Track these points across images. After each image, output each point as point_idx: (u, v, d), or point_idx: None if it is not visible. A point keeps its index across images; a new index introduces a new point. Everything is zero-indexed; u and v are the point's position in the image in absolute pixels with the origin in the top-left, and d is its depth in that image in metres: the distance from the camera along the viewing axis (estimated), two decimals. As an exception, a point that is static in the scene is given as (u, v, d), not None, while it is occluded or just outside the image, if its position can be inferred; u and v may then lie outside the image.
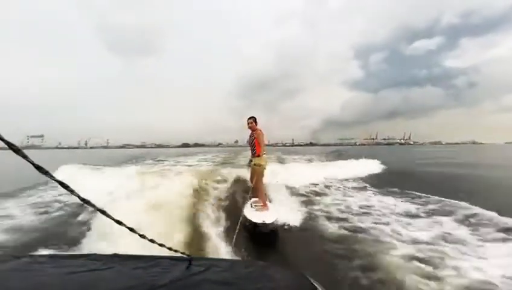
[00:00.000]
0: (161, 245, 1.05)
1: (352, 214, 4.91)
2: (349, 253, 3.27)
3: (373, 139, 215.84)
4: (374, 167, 12.21)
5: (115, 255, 1.07)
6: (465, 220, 4.32)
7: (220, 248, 3.31)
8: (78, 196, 0.73)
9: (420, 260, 2.95)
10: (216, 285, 0.86)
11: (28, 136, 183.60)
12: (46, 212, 5.18)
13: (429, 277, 2.62)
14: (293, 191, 6.74)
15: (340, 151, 30.19)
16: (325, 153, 24.34)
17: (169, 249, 1.09)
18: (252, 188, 4.63)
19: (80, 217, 4.64)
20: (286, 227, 4.22)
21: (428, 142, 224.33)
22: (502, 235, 3.65)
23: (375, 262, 2.98)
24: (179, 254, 1.10)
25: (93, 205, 0.78)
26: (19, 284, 0.85)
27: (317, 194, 6.87)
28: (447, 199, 5.66)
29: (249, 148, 4.67)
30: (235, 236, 3.17)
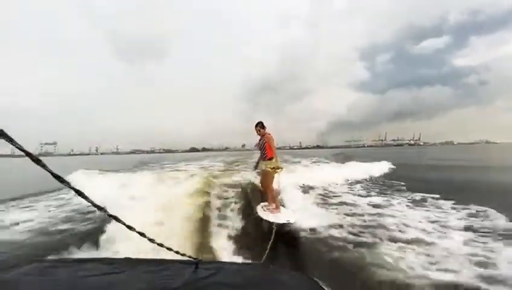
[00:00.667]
0: (169, 249, 1.06)
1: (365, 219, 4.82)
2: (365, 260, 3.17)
3: (382, 140, 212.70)
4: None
5: (126, 259, 1.08)
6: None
7: (230, 252, 3.32)
8: (93, 203, 0.76)
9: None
10: (226, 288, 0.86)
11: (41, 144, 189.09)
12: (57, 218, 5.29)
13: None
14: (305, 195, 6.73)
15: (346, 153, 29.78)
16: (333, 156, 24.18)
17: (177, 252, 1.10)
18: (262, 192, 4.67)
19: (92, 222, 4.73)
20: (302, 230, 4.14)
21: (439, 143, 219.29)
22: None
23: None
24: (187, 258, 1.11)
25: (106, 212, 0.81)
26: (32, 288, 0.87)
27: (329, 196, 6.79)
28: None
29: (258, 152, 4.69)
30: (270, 243, 3.18)
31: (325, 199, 6.45)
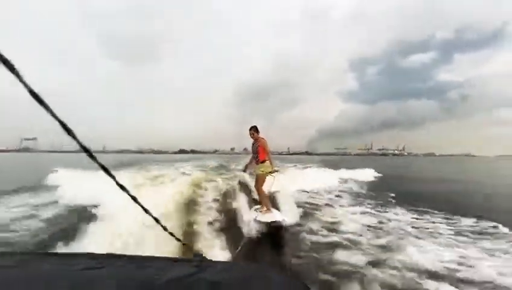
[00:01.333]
0: (178, 240, 1.07)
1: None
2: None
3: (368, 149, 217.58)
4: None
5: (109, 255, 1.07)
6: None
7: (217, 250, 3.33)
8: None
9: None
10: (212, 286, 0.87)
11: (21, 139, 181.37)
12: (43, 213, 5.14)
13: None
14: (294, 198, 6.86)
15: (335, 161, 30.31)
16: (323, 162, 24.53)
17: (183, 243, 1.10)
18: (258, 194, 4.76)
19: (81, 218, 4.64)
20: (290, 230, 4.29)
21: (422, 154, 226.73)
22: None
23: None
24: (173, 256, 1.11)
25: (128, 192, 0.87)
26: (12, 280, 0.86)
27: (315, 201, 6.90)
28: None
29: (251, 155, 4.79)
30: (242, 243, 3.20)
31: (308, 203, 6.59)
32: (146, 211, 1.00)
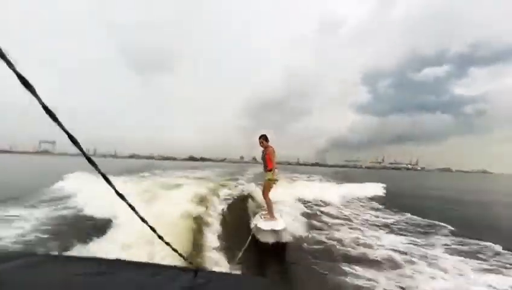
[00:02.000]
0: (175, 250, 1.06)
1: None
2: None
3: (380, 162, 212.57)
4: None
5: (118, 260, 1.08)
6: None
7: (221, 259, 3.31)
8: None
9: None
10: None
11: (40, 142, 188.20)
12: (53, 215, 5.23)
13: None
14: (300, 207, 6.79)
15: (345, 173, 29.81)
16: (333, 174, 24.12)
17: (179, 254, 1.08)
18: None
19: (88, 221, 4.70)
20: (294, 240, 4.30)
21: (437, 169, 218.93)
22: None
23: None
24: (182, 265, 1.11)
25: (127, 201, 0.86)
26: (23, 282, 0.87)
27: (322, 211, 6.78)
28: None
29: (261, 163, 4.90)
30: (244, 248, 3.18)
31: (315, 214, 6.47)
32: (143, 220, 0.94)
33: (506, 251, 4.30)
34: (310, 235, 4.79)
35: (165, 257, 2.60)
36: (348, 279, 3.16)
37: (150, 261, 1.16)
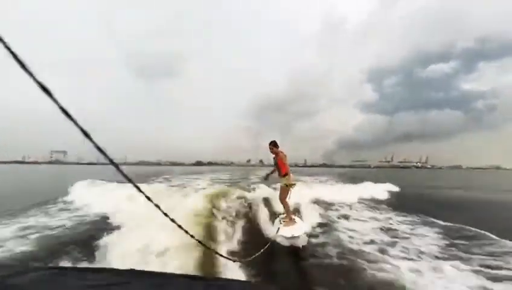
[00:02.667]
0: (208, 248, 1.10)
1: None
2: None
3: (388, 161, 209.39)
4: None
5: (132, 271, 1.08)
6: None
7: (234, 265, 3.27)
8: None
9: None
10: None
11: (51, 152, 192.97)
12: (65, 225, 5.28)
13: None
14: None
15: (354, 174, 29.31)
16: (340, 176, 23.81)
17: (207, 247, 1.12)
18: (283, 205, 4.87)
19: (101, 231, 4.74)
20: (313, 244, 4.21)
21: (447, 166, 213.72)
22: None
23: None
24: (194, 273, 1.10)
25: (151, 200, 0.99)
26: None
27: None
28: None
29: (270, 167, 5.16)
30: (260, 251, 3.16)
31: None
32: (172, 220, 1.16)
33: None
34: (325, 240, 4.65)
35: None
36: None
37: (163, 271, 1.15)
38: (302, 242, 4.06)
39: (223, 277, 2.95)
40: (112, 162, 0.79)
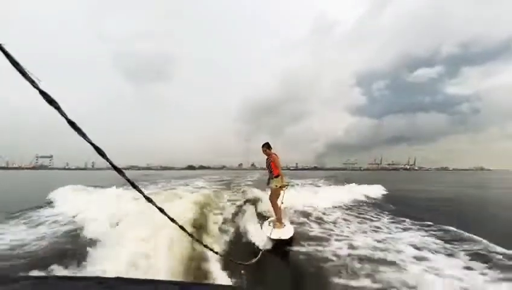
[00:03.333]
0: (205, 246, 1.11)
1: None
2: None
3: (378, 164, 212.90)
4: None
5: (118, 279, 1.05)
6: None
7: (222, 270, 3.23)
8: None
9: None
10: None
11: (37, 156, 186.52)
12: (46, 233, 5.10)
13: None
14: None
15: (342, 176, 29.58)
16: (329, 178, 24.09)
17: (205, 246, 1.15)
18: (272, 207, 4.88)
19: (82, 238, 4.59)
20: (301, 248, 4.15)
21: (434, 168, 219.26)
22: None
23: None
24: (181, 279, 1.09)
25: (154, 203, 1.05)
26: None
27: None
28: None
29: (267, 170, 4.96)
30: (255, 260, 3.13)
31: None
32: (173, 220, 1.22)
33: None
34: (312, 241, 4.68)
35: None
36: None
37: (151, 278, 1.13)
38: (293, 243, 4.09)
39: (212, 282, 2.91)
40: (116, 168, 0.85)
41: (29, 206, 7.64)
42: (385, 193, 12.03)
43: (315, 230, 5.34)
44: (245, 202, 6.66)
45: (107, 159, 0.79)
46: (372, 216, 7.01)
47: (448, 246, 4.30)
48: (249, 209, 6.06)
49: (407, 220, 6.22)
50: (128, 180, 0.85)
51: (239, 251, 4.01)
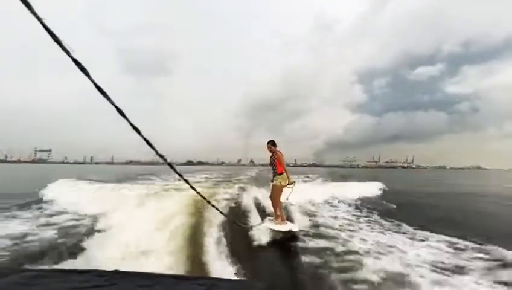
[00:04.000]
0: (222, 213, 1.17)
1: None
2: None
3: (376, 161, 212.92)
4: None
5: (117, 272, 1.07)
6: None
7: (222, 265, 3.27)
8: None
9: None
10: None
11: (35, 150, 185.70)
12: (47, 225, 5.13)
13: None
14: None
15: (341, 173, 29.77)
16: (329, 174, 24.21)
17: (225, 215, 1.18)
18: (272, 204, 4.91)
19: (79, 231, 4.62)
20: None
21: (432, 167, 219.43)
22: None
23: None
24: (181, 273, 1.11)
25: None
26: None
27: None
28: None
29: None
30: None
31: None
32: (202, 197, 1.31)
33: None
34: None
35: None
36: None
37: (149, 271, 1.15)
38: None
39: (211, 276, 2.95)
40: (166, 161, 0.97)
41: (23, 199, 7.70)
42: (381, 192, 12.11)
43: (314, 226, 5.39)
44: (244, 198, 6.67)
45: (155, 150, 0.91)
46: (369, 213, 7.07)
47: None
48: (249, 205, 6.09)
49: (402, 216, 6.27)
50: (176, 171, 1.00)
51: (240, 244, 4.04)
